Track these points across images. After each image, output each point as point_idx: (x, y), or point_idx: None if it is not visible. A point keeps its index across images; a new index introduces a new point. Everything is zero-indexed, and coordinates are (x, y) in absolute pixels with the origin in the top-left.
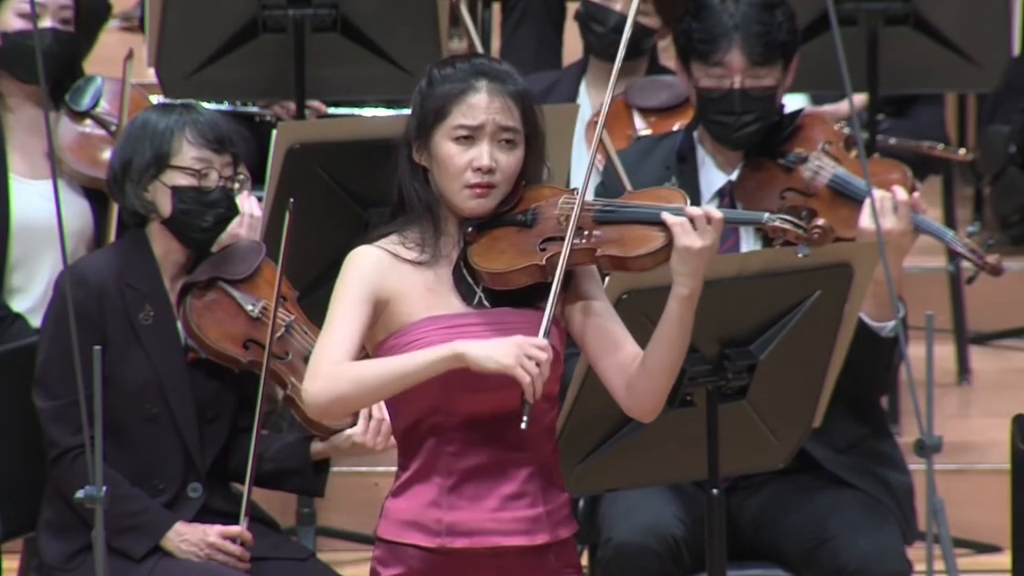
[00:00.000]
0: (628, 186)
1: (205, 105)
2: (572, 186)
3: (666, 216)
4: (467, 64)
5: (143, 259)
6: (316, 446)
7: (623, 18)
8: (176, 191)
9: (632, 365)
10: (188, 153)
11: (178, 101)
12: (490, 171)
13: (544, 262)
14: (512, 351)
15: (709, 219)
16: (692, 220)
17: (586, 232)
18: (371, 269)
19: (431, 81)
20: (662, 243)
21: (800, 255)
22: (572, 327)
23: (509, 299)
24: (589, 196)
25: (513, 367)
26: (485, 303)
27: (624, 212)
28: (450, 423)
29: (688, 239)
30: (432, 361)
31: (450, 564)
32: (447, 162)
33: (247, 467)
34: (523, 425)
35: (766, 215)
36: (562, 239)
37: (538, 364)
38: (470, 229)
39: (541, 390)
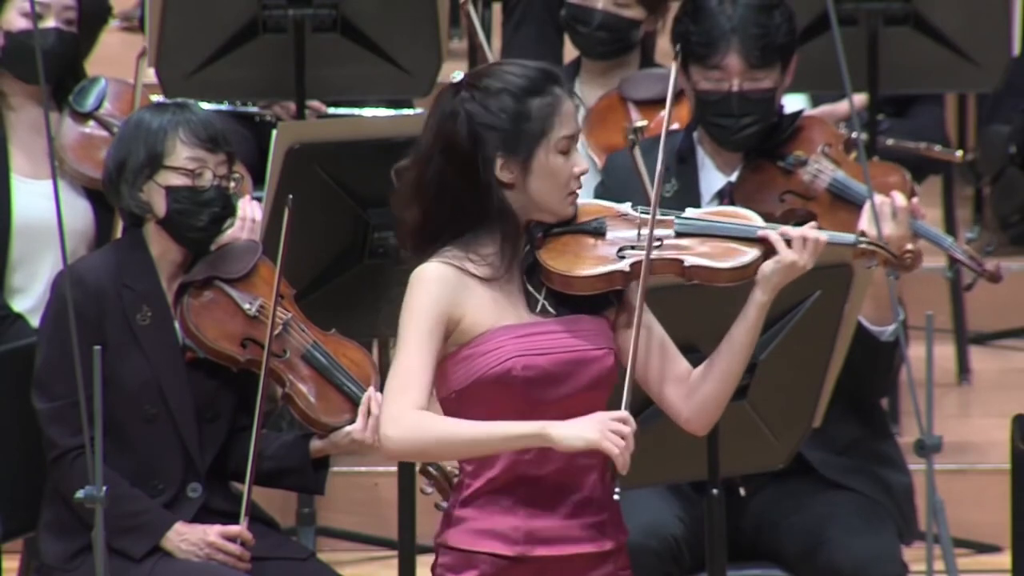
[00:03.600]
0: (646, 179)
1: (205, 105)
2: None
3: (784, 228)
4: (532, 71)
5: (140, 259)
6: (315, 444)
7: (607, 15)
8: (170, 191)
9: (687, 379)
10: (182, 153)
11: (171, 100)
12: (582, 174)
13: (629, 268)
14: (596, 427)
15: (817, 240)
16: (800, 239)
17: (668, 243)
18: (441, 290)
19: (502, 94)
20: (751, 259)
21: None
22: (621, 344)
23: (570, 306)
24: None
25: (600, 441)
26: (550, 310)
27: (709, 226)
28: None
29: (794, 255)
30: (516, 436)
31: (523, 571)
32: (558, 174)
33: (247, 466)
34: (616, 496)
35: (854, 237)
36: (640, 248)
37: (624, 437)
38: (540, 235)
39: (629, 461)
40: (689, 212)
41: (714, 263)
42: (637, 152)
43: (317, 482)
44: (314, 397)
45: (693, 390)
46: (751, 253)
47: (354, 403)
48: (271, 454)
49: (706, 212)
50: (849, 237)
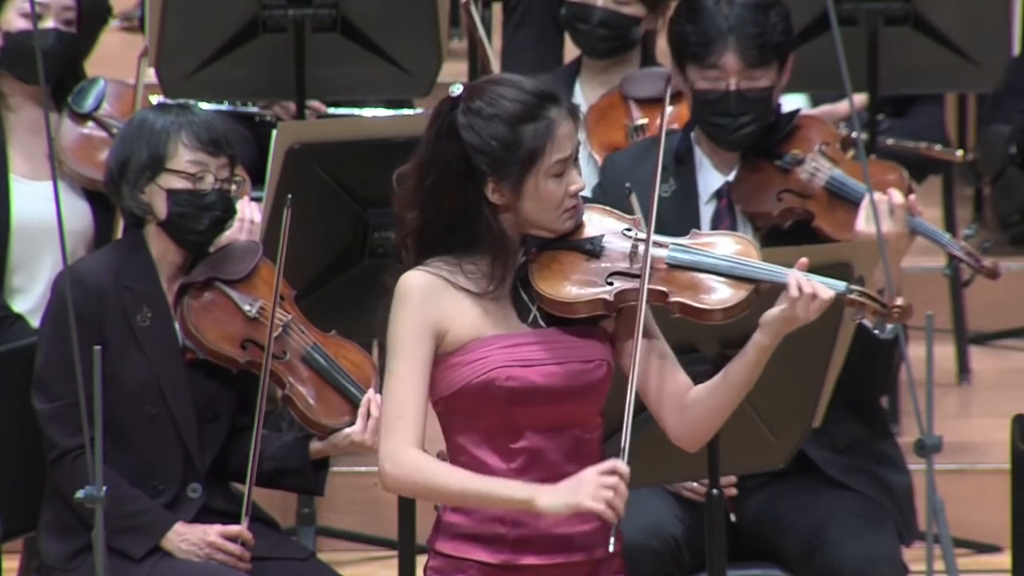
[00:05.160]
0: (638, 212)
1: (205, 105)
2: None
3: (791, 282)
4: (527, 94)
5: (140, 260)
6: (315, 445)
7: (606, 13)
8: (171, 194)
9: (684, 396)
10: (183, 156)
11: (174, 101)
12: (579, 191)
13: (612, 297)
14: (584, 491)
15: (821, 300)
16: (801, 291)
17: (658, 273)
18: (424, 302)
19: (495, 120)
20: (739, 300)
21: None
22: (622, 357)
23: (563, 318)
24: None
25: (588, 503)
26: (540, 323)
27: (701, 262)
28: (514, 440)
29: (799, 310)
30: (503, 499)
31: None
32: (550, 197)
33: (247, 467)
34: (611, 548)
35: (845, 285)
36: (630, 275)
37: (614, 489)
38: (533, 249)
39: (623, 510)
40: (686, 241)
41: (700, 303)
42: (634, 198)
43: (317, 483)
44: (313, 399)
45: (687, 410)
46: (740, 294)
47: (354, 405)
48: (271, 455)
49: (704, 241)
50: (839, 285)
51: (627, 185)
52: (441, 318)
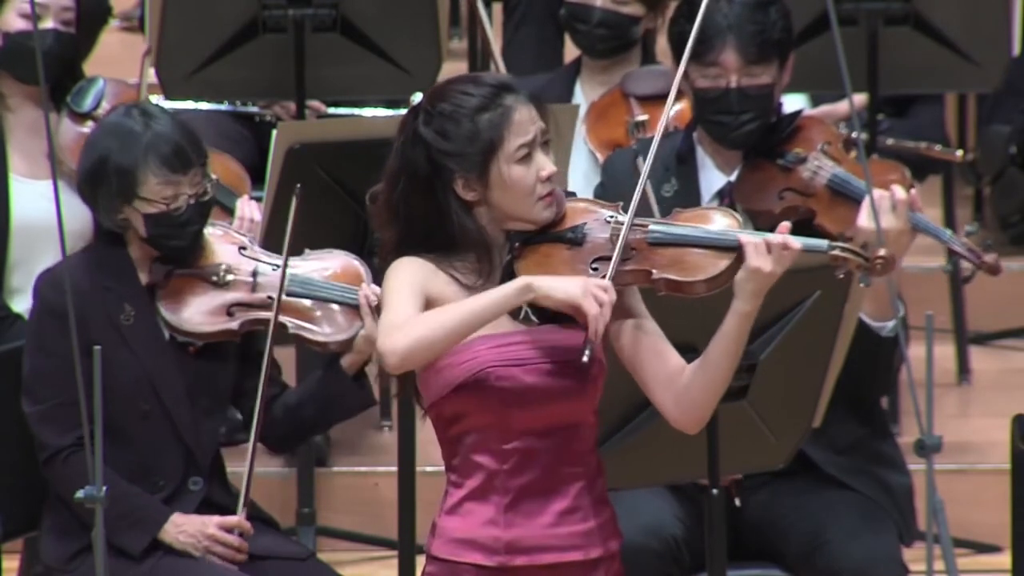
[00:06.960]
0: (653, 204)
1: (204, 105)
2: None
3: (742, 236)
4: (483, 87)
5: (118, 260)
6: (344, 361)
7: (605, 13)
8: (148, 217)
9: (679, 377)
10: (153, 182)
11: (137, 109)
12: (551, 176)
13: None
14: (580, 285)
15: (786, 247)
16: (768, 245)
17: (640, 253)
18: (418, 270)
19: (455, 117)
20: (721, 269)
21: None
22: (618, 342)
23: (554, 313)
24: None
25: (581, 298)
26: (532, 318)
27: (680, 235)
28: (507, 441)
29: (761, 261)
30: (504, 296)
31: None
32: (519, 184)
33: (251, 429)
34: (584, 358)
35: (827, 243)
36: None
37: (601, 304)
38: (516, 244)
39: (603, 329)
40: (664, 220)
41: (683, 276)
42: (649, 188)
43: (364, 396)
44: (319, 324)
45: (682, 392)
46: (722, 263)
47: (356, 308)
48: (303, 401)
49: (683, 217)
50: (821, 243)
51: (639, 158)
52: (435, 288)
